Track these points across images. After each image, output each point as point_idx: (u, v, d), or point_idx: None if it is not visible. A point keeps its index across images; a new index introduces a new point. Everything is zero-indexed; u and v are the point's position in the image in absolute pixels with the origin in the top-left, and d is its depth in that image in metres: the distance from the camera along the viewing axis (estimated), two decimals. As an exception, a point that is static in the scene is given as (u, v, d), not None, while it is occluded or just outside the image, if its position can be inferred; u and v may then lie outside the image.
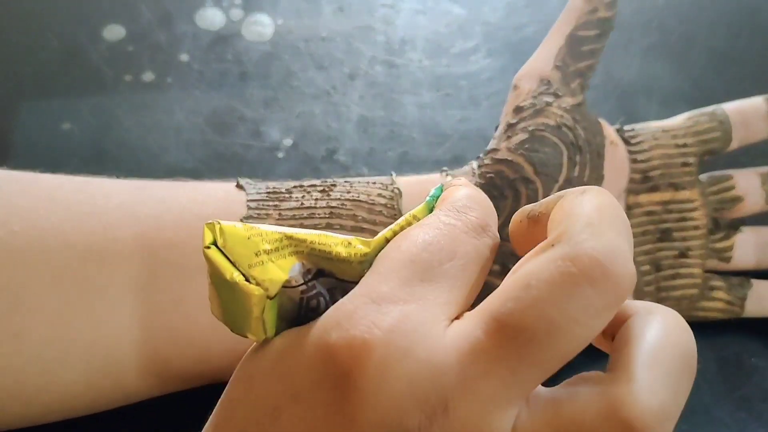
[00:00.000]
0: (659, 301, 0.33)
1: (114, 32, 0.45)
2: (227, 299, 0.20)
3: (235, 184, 0.30)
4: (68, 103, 0.42)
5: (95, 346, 0.26)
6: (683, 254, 0.34)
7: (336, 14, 0.47)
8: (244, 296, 0.20)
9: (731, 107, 0.36)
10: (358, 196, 0.30)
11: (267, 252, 0.20)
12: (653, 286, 0.33)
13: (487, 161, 0.31)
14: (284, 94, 0.43)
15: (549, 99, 0.31)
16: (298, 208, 0.29)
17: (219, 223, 0.20)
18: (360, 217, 0.29)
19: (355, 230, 0.29)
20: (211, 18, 0.46)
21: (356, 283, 0.21)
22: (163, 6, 0.47)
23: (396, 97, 0.43)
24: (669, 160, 0.34)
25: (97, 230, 0.27)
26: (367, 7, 0.48)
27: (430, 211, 0.23)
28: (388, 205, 0.30)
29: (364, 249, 0.21)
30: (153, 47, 0.45)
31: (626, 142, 0.34)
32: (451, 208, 0.22)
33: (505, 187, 0.30)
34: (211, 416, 0.21)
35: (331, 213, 0.29)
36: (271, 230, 0.21)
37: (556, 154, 0.30)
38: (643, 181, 0.34)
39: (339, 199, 0.29)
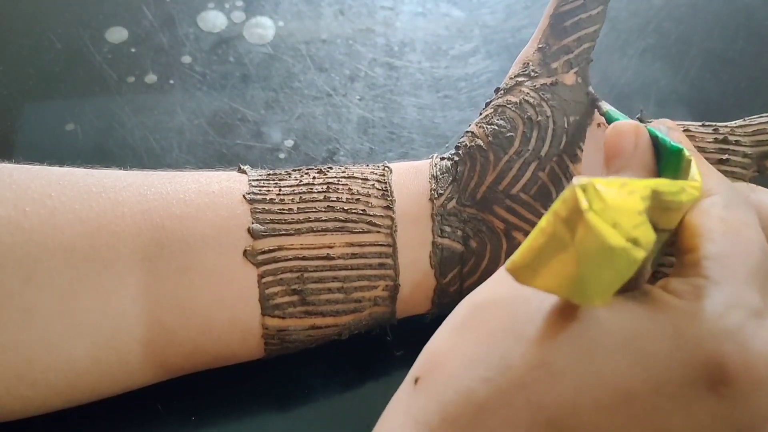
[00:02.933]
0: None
1: (117, 34, 0.46)
2: (595, 265, 0.19)
3: (237, 169, 0.31)
4: (71, 105, 0.42)
5: (103, 319, 0.27)
6: None
7: (336, 17, 0.48)
8: (626, 262, 0.19)
9: None
10: (353, 174, 0.31)
11: (642, 211, 0.19)
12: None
13: (461, 135, 0.33)
14: (285, 96, 0.44)
15: (522, 79, 0.32)
16: (297, 185, 0.30)
17: (592, 183, 0.19)
18: (355, 190, 0.30)
19: (350, 201, 0.30)
20: (213, 20, 0.47)
21: (666, 231, 0.21)
22: (165, 8, 0.47)
23: (396, 99, 0.44)
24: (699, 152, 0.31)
25: (106, 207, 0.27)
26: (367, 9, 0.48)
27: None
28: (380, 180, 0.31)
29: (695, 194, 0.22)
30: (155, 49, 0.45)
31: None
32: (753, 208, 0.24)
33: (464, 154, 0.31)
34: (493, 358, 0.21)
35: (327, 187, 0.30)
36: (641, 183, 0.20)
37: (510, 127, 0.31)
38: None
39: (335, 176, 0.31)
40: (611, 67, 0.46)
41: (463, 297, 0.30)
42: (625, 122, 0.26)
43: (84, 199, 0.27)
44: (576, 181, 0.18)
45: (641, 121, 0.32)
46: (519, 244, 0.29)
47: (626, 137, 0.25)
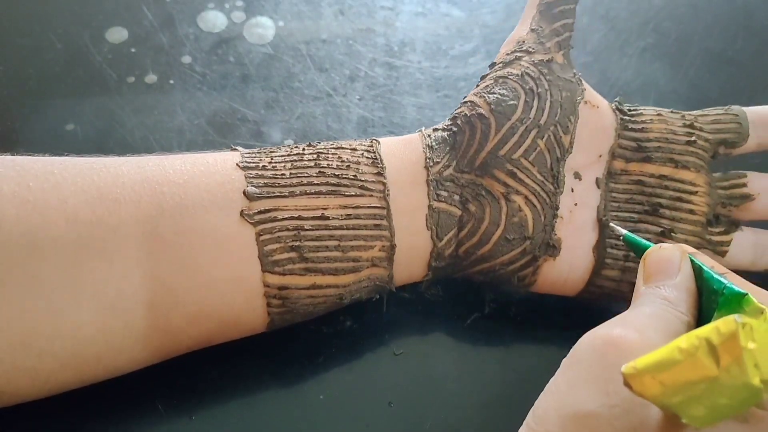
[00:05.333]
0: (624, 273, 0.33)
1: (117, 34, 0.46)
2: (722, 395, 0.20)
3: (230, 149, 0.32)
4: (72, 105, 0.42)
5: (106, 282, 0.27)
6: (665, 234, 0.33)
7: (336, 17, 0.48)
8: (752, 400, 0.20)
9: (749, 108, 0.36)
10: (341, 145, 0.32)
11: None
12: (621, 254, 0.33)
13: (457, 107, 0.34)
14: (285, 96, 0.44)
15: (520, 54, 0.34)
16: (288, 155, 0.31)
17: (750, 323, 0.20)
18: (345, 158, 0.31)
19: (341, 168, 0.31)
20: (213, 20, 0.47)
21: None
22: (165, 8, 0.47)
23: (395, 99, 0.44)
24: (671, 135, 0.34)
25: (107, 178, 0.29)
26: (367, 9, 0.48)
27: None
28: (368, 150, 0.32)
29: None
30: (156, 49, 0.45)
31: (621, 111, 0.35)
32: None
33: (463, 123, 0.32)
34: None
35: (317, 156, 0.31)
36: None
37: (513, 96, 0.32)
38: (637, 150, 0.34)
39: (324, 147, 0.32)
40: (611, 67, 0.46)
41: (457, 260, 0.32)
42: (671, 246, 0.27)
43: (85, 174, 0.28)
44: (739, 318, 0.20)
45: (620, 104, 0.36)
46: (518, 207, 0.31)
47: (672, 260, 0.27)
